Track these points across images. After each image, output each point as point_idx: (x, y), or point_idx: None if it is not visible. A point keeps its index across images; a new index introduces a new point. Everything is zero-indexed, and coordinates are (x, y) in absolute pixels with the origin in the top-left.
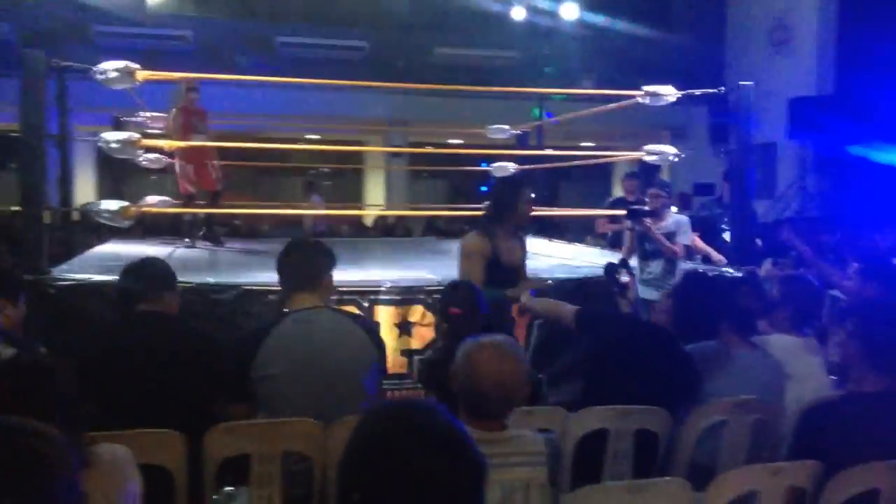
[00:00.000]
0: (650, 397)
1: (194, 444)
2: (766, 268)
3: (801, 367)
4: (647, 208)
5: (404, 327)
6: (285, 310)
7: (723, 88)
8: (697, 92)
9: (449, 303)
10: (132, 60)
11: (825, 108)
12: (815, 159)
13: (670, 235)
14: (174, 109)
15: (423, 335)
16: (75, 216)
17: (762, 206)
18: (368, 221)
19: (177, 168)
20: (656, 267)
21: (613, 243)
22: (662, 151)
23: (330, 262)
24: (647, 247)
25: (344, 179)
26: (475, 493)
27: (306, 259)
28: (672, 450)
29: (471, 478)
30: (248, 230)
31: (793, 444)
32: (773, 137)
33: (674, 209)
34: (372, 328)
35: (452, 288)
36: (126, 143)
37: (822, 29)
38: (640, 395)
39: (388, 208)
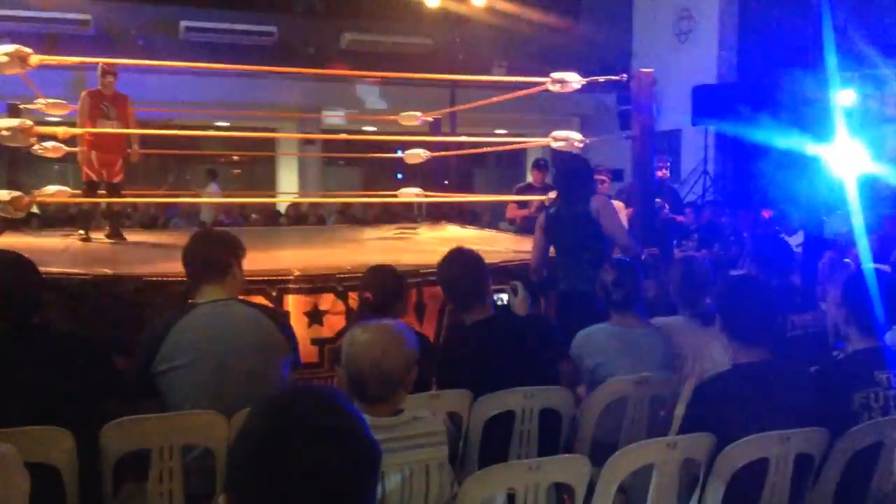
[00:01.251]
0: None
1: (86, 443)
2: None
3: (696, 346)
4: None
5: (315, 316)
6: (190, 301)
7: (625, 75)
8: (601, 79)
9: (364, 288)
10: (30, 45)
11: (726, 96)
12: (717, 145)
13: None
14: (83, 93)
15: (334, 324)
16: None
17: None
18: (281, 209)
19: (78, 153)
20: None
21: (523, 228)
22: (568, 138)
23: (237, 252)
24: None
25: (256, 168)
26: (368, 479)
27: (211, 250)
28: (575, 428)
29: (362, 464)
30: (150, 221)
31: (686, 419)
32: (678, 124)
33: None
34: (282, 320)
35: (369, 272)
36: (17, 131)
37: (725, 19)
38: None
39: (302, 196)
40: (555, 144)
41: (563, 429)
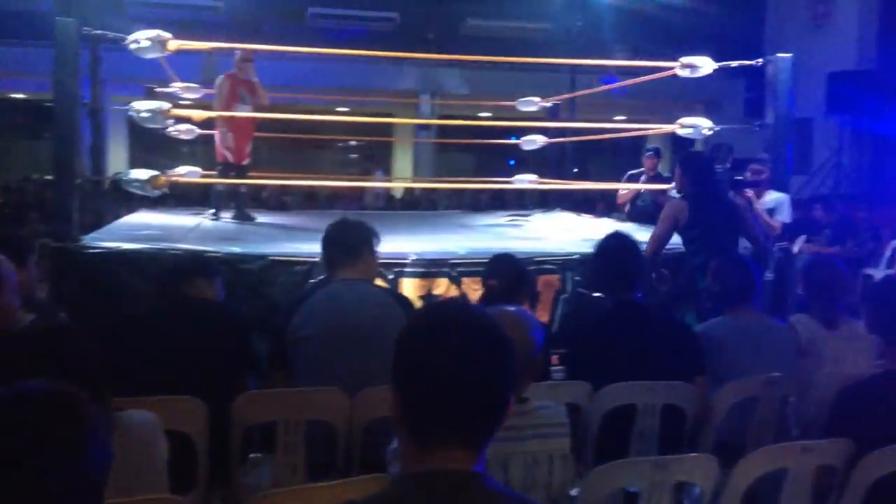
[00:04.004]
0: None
1: (218, 414)
2: (799, 245)
3: (830, 348)
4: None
5: (429, 300)
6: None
7: (760, 60)
8: (734, 64)
9: (489, 275)
10: (165, 31)
11: (865, 84)
12: (853, 136)
13: (770, 212)
14: (221, 76)
15: None
16: (107, 185)
17: (797, 183)
18: (397, 194)
19: (217, 135)
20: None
21: (633, 217)
22: (696, 125)
23: (372, 239)
24: None
25: (373, 153)
26: (505, 386)
27: (348, 234)
28: (699, 426)
29: (501, 365)
30: (275, 203)
31: (826, 423)
32: (811, 113)
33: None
34: (407, 303)
35: (493, 260)
36: (156, 113)
37: (865, 3)
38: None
39: (415, 181)
40: (681, 132)
41: (687, 427)
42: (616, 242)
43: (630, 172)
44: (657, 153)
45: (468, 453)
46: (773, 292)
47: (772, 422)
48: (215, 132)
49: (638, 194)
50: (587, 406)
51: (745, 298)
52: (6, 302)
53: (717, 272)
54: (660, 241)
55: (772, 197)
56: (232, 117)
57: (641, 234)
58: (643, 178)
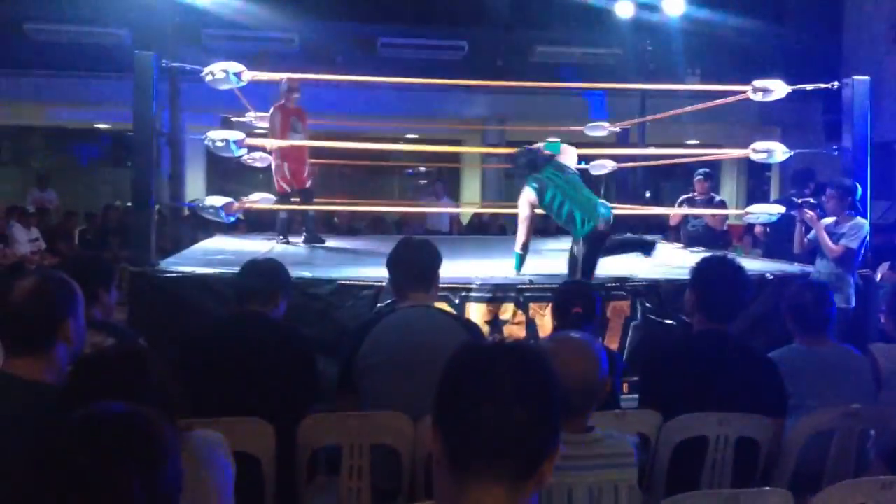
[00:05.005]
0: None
1: (284, 436)
2: (882, 272)
3: None
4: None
5: (495, 325)
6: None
7: (836, 83)
8: (809, 87)
9: (570, 302)
10: (240, 62)
11: None
12: None
13: (838, 236)
14: (272, 108)
15: (513, 333)
16: (185, 211)
17: (879, 208)
18: (465, 219)
19: (272, 166)
20: (823, 265)
21: (689, 242)
22: (770, 149)
23: (440, 261)
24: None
25: (440, 177)
26: (544, 430)
27: (421, 257)
28: (773, 458)
29: (545, 401)
30: (346, 228)
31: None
32: (892, 137)
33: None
34: (476, 330)
35: (572, 287)
36: (229, 142)
37: None
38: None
39: (484, 206)
40: (755, 156)
41: (761, 460)
42: (714, 269)
43: (683, 196)
44: (707, 176)
45: (508, 495)
46: (853, 321)
47: (850, 456)
48: (271, 162)
49: (689, 217)
50: (656, 437)
51: (822, 328)
52: (79, 324)
53: (791, 298)
54: (529, 222)
55: (851, 222)
56: (288, 146)
57: (692, 257)
58: (695, 201)
